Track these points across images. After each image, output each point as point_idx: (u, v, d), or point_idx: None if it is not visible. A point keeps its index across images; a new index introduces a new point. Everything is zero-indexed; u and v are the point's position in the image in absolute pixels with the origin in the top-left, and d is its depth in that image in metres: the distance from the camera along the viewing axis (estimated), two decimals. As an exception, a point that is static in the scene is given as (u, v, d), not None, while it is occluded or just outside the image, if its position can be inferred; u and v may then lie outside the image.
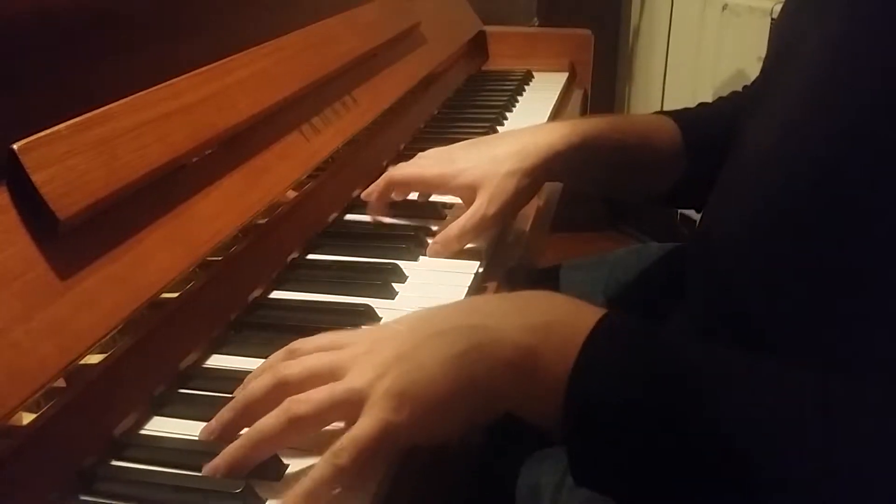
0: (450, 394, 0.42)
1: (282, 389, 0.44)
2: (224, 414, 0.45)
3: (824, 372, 0.42)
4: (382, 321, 0.59)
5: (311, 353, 0.46)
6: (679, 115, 0.77)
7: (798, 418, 0.40)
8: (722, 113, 0.78)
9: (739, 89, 0.82)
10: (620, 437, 0.41)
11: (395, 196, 0.75)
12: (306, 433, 0.43)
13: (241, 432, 0.44)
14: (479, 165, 0.68)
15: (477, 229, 0.67)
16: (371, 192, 0.75)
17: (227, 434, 0.45)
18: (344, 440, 0.41)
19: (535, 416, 0.44)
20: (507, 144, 0.70)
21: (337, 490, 0.41)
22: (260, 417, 0.43)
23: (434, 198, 0.78)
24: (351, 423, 0.42)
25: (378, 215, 0.75)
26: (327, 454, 0.41)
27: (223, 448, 0.44)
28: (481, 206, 0.67)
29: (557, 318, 0.44)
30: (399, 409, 0.41)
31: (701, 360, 0.43)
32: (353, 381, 0.43)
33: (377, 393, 0.42)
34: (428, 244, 0.72)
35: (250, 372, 0.53)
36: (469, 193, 0.69)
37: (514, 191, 0.67)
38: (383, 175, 0.74)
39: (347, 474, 0.40)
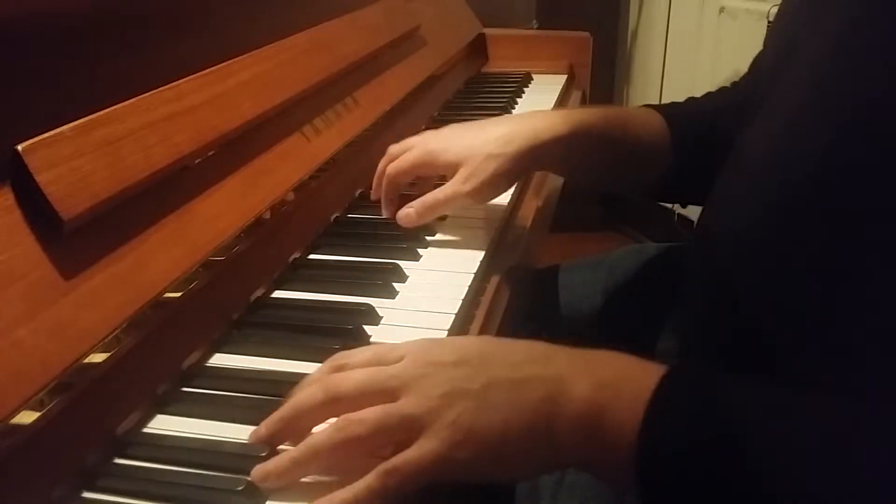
0: (519, 441, 0.42)
1: (333, 405, 0.44)
2: (273, 422, 0.45)
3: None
4: (383, 320, 0.60)
5: (361, 363, 0.46)
6: (666, 110, 0.78)
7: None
8: (709, 108, 0.79)
9: (725, 86, 0.83)
10: (692, 485, 0.41)
11: (396, 192, 0.74)
12: (356, 454, 0.43)
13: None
14: (465, 145, 0.70)
15: (450, 203, 0.69)
16: (386, 203, 0.75)
17: (274, 441, 0.45)
18: (398, 461, 0.41)
19: (601, 470, 0.44)
20: (496, 127, 0.71)
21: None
22: (307, 428, 0.44)
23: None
24: (402, 447, 0.42)
25: (390, 214, 0.74)
26: (378, 470, 0.40)
27: (228, 446, 0.46)
28: (457, 182, 0.69)
29: (626, 375, 0.44)
30: (462, 445, 0.41)
31: (762, 410, 0.43)
32: (410, 406, 0.42)
33: (440, 424, 0.41)
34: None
35: (252, 370, 0.54)
36: (453, 170, 0.70)
37: (493, 173, 0.68)
38: (384, 176, 0.74)
39: (392, 493, 0.40)
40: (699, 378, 0.45)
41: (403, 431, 0.42)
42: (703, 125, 0.76)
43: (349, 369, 0.46)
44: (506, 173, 0.69)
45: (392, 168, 0.73)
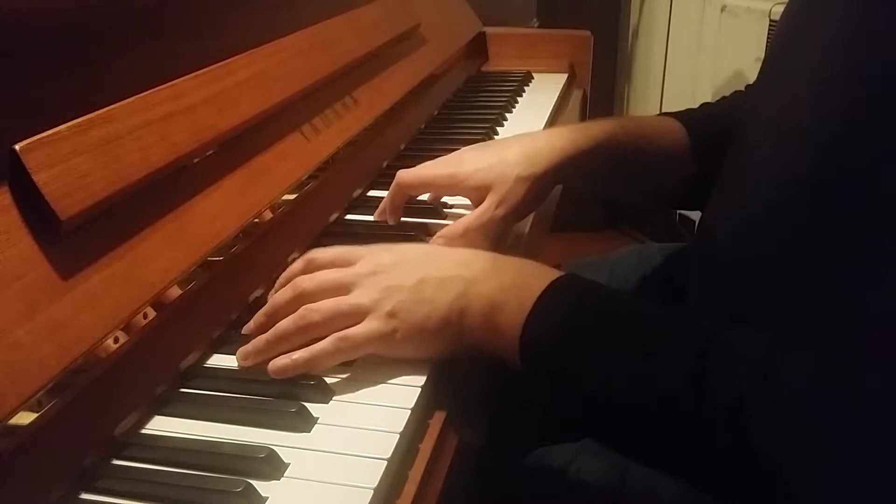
0: (434, 327, 0.52)
1: (300, 300, 0.54)
2: (257, 318, 0.56)
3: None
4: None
5: (325, 263, 0.56)
6: (685, 117, 0.77)
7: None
8: (725, 113, 0.78)
9: (739, 89, 0.83)
10: (561, 367, 0.51)
11: (404, 200, 0.73)
12: (317, 335, 0.52)
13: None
14: (491, 168, 0.67)
15: (482, 230, 0.66)
16: (384, 204, 0.73)
17: (261, 331, 0.54)
18: (349, 332, 0.52)
19: (497, 355, 0.53)
20: (518, 147, 0.68)
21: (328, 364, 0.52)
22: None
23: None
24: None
25: (395, 222, 0.73)
26: (332, 336, 0.52)
27: (227, 448, 0.47)
28: (490, 207, 0.66)
29: (523, 280, 0.53)
30: (397, 327, 0.52)
31: (633, 313, 0.52)
32: (358, 297, 0.53)
33: (380, 310, 0.52)
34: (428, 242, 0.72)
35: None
36: (479, 195, 0.67)
37: (524, 195, 0.66)
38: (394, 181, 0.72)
39: (342, 355, 0.52)
40: (576, 287, 0.53)
41: (352, 317, 0.52)
42: (721, 130, 0.75)
43: (317, 264, 0.56)
44: (536, 194, 0.67)
45: (409, 175, 0.70)
